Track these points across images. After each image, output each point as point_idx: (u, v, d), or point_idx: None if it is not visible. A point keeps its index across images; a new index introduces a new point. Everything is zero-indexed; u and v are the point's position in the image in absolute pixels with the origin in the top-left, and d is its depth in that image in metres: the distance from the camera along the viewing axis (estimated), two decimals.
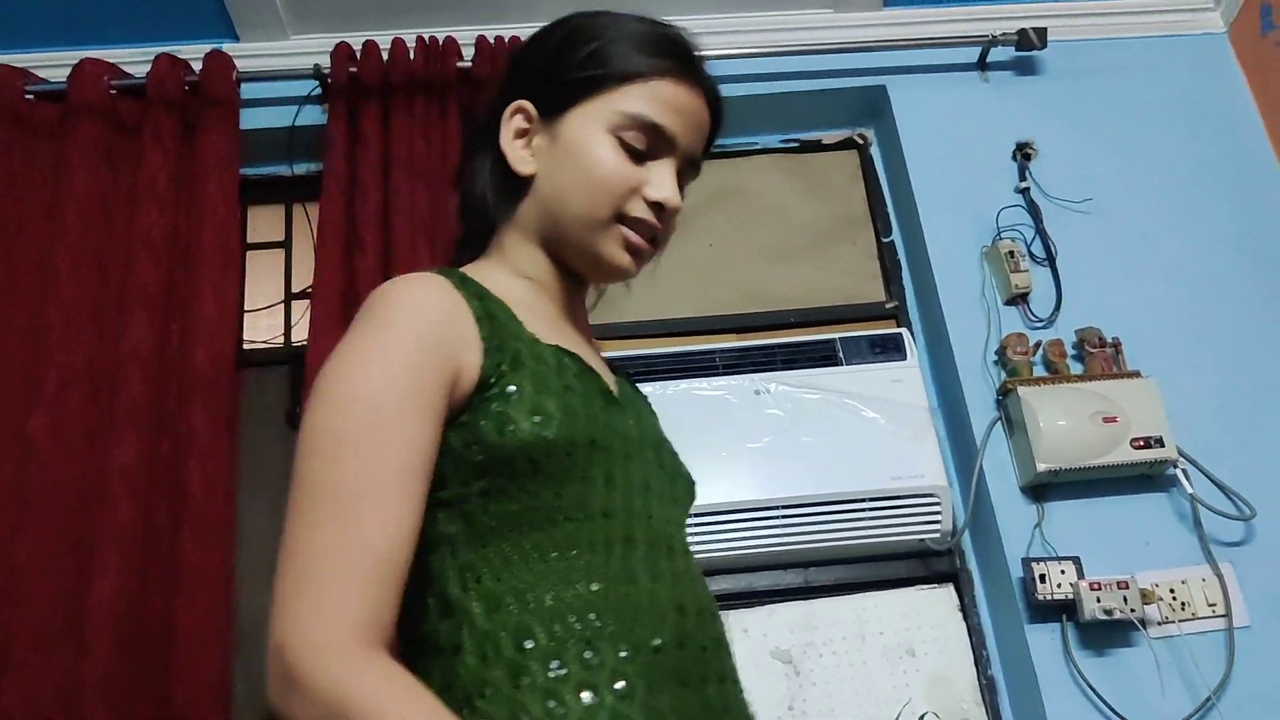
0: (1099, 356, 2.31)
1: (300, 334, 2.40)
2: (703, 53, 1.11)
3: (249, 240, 2.55)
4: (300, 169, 2.49)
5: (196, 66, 2.39)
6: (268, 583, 2.14)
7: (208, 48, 2.45)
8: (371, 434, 0.85)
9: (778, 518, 2.22)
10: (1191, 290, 2.45)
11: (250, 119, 2.43)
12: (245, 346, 2.43)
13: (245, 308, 2.46)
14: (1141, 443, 2.18)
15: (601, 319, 2.43)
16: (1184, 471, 2.21)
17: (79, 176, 2.25)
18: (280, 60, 2.51)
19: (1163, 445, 2.18)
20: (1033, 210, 2.50)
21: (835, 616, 2.27)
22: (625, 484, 0.97)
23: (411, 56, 2.40)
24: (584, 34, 1.08)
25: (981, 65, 2.67)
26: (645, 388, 2.26)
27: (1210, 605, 2.14)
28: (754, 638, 2.23)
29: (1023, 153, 2.56)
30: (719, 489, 2.21)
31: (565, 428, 0.91)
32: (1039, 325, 2.38)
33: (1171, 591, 2.14)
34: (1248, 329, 2.41)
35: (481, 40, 2.43)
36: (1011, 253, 2.40)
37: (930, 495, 2.24)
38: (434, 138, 2.33)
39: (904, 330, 2.45)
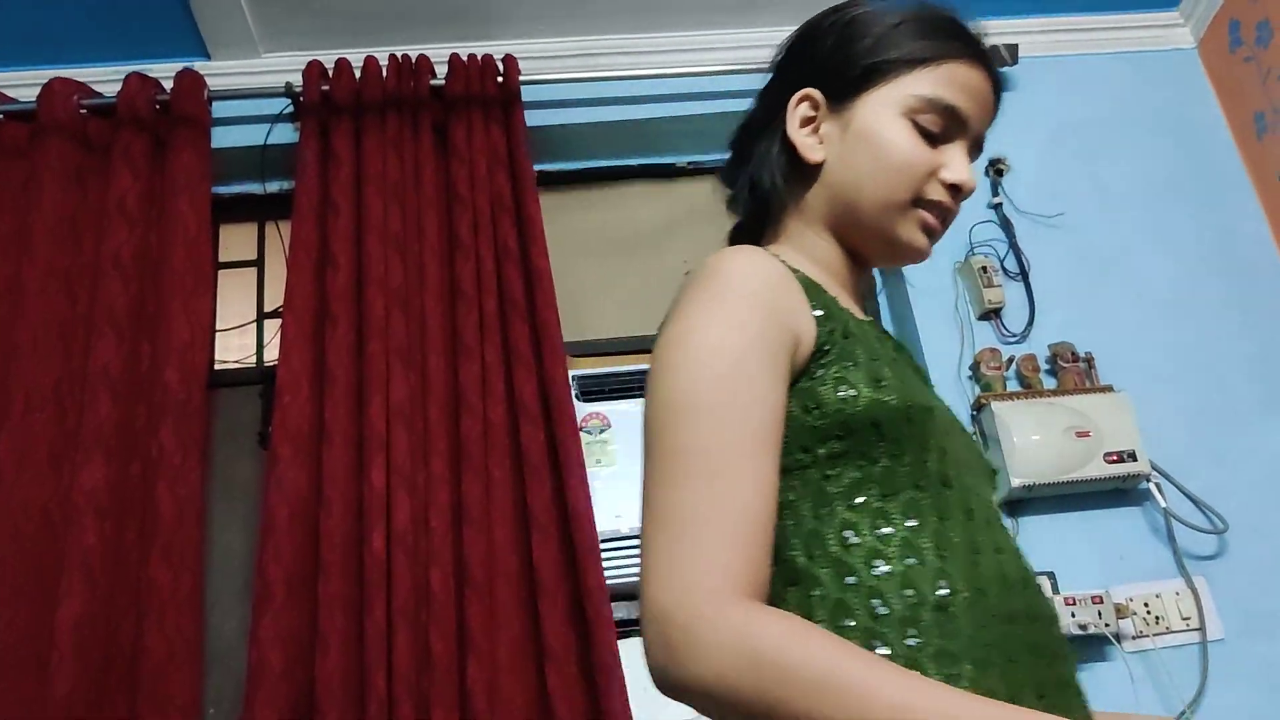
0: (1072, 370, 2.32)
1: (272, 353, 2.38)
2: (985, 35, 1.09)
3: (221, 259, 2.53)
4: (272, 187, 2.48)
5: (168, 85, 2.38)
6: (239, 604, 2.14)
7: (179, 66, 2.44)
8: (730, 397, 0.85)
9: None
10: (1163, 305, 2.46)
11: (222, 137, 2.42)
12: (217, 366, 2.41)
13: (217, 327, 2.44)
14: (1115, 457, 2.18)
15: (577, 336, 2.44)
16: (1157, 485, 2.22)
17: (48, 196, 2.23)
18: (252, 79, 2.50)
19: (1135, 459, 2.18)
20: (1005, 226, 2.51)
21: None
22: (955, 457, 0.95)
23: (384, 74, 2.39)
24: (867, 21, 1.07)
25: None
26: (622, 405, 2.30)
27: (1184, 619, 2.14)
28: None
29: (995, 169, 2.57)
30: None
31: (902, 394, 0.91)
32: (1012, 340, 2.39)
33: (1146, 605, 2.14)
34: (1218, 343, 2.43)
35: (454, 58, 2.42)
36: (984, 268, 2.41)
37: None
38: (406, 155, 2.32)
39: None
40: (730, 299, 0.90)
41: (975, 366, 2.33)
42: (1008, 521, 2.21)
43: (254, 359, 2.46)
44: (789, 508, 0.89)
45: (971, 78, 1.03)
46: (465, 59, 2.42)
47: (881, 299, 2.60)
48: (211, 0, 2.38)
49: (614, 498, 2.17)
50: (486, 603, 1.95)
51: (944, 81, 1.02)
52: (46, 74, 2.39)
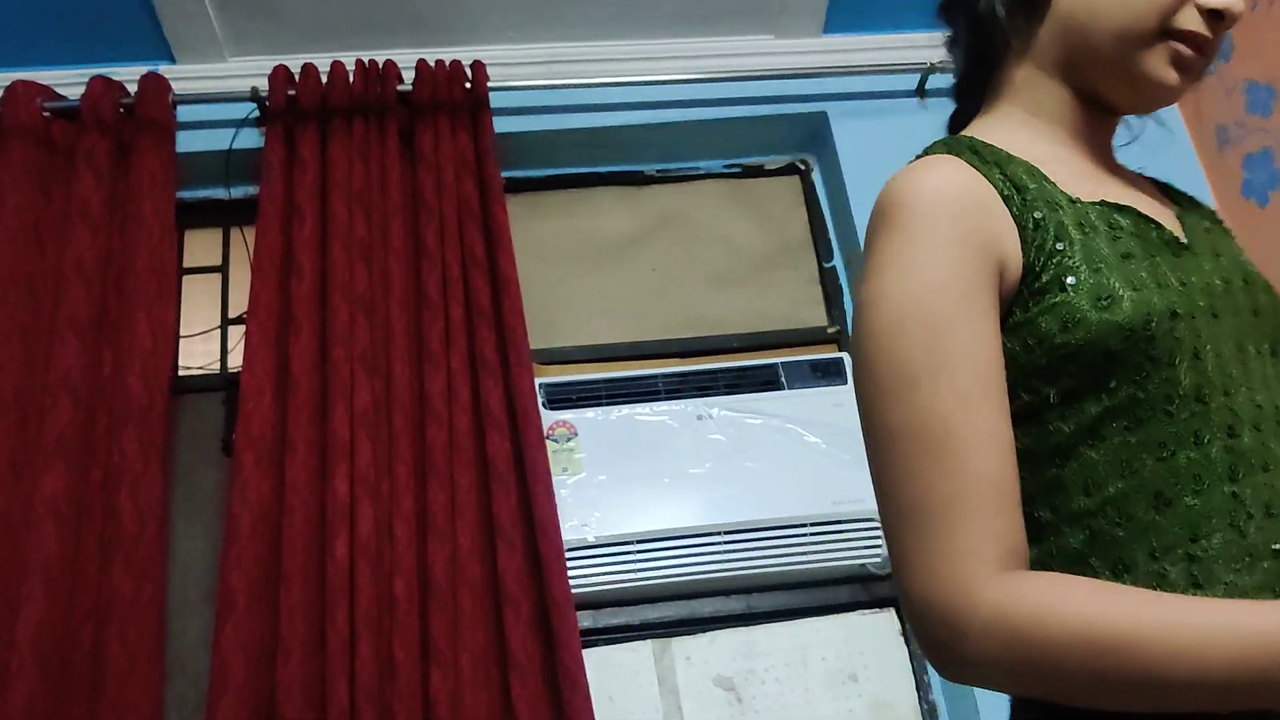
0: None
1: (236, 360, 2.37)
2: None
3: (185, 264, 2.51)
4: (238, 193, 2.46)
5: (132, 88, 2.37)
6: (201, 611, 2.12)
7: (143, 69, 2.42)
8: (937, 357, 0.77)
9: (720, 543, 2.21)
10: None
11: (187, 142, 2.41)
12: (180, 372, 2.40)
13: (181, 333, 2.42)
14: None
15: (544, 344, 2.44)
16: None
17: (10, 200, 2.20)
18: (217, 83, 2.48)
19: None
20: None
21: (777, 643, 2.26)
22: (1216, 354, 0.82)
23: (350, 80, 2.38)
24: None
25: (920, 92, 2.70)
26: (589, 413, 2.30)
27: None
28: (696, 665, 2.23)
29: None
30: (662, 515, 2.21)
31: (1137, 305, 0.79)
32: None
33: None
34: None
35: (422, 64, 2.42)
36: None
37: (871, 519, 2.25)
38: (372, 162, 2.31)
39: (845, 354, 2.47)
40: (915, 236, 0.81)
41: None
42: None
43: (218, 365, 2.44)
44: (1025, 459, 0.81)
45: None
46: (433, 65, 2.42)
47: (848, 308, 2.62)
48: (176, 4, 2.37)
49: (580, 506, 2.17)
50: (450, 612, 1.94)
51: None
52: (9, 76, 2.37)
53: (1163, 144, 2.67)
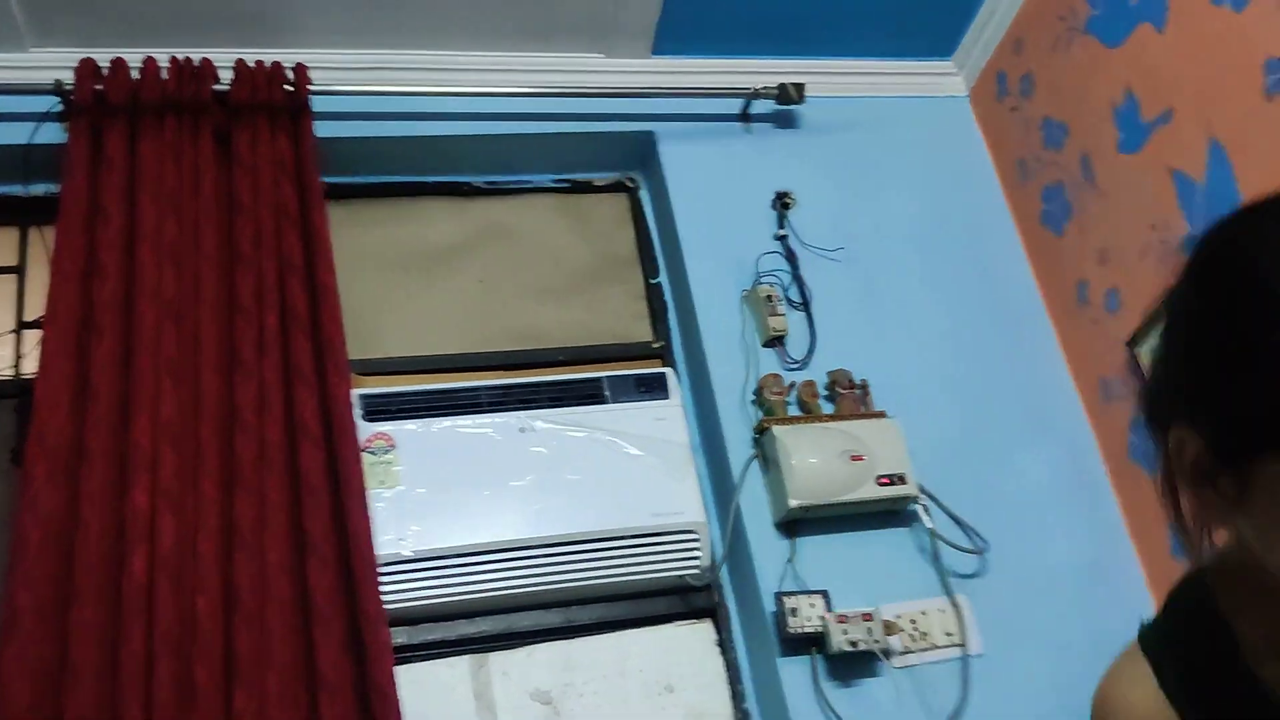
0: (848, 397, 2.41)
1: (31, 365, 2.23)
2: None
3: None
4: (37, 190, 2.34)
5: None
6: None
7: None
8: None
9: (540, 557, 2.20)
10: (934, 336, 2.59)
11: None
12: None
13: None
14: (886, 480, 2.28)
15: (364, 354, 2.39)
16: (924, 507, 2.33)
17: None
18: (17, 74, 2.35)
19: (905, 482, 2.29)
20: (790, 257, 2.60)
21: (596, 655, 2.27)
22: None
23: (164, 77, 2.29)
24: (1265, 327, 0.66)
25: (744, 117, 2.77)
26: (409, 425, 2.26)
27: (948, 635, 2.25)
28: (514, 680, 2.21)
29: (782, 202, 2.66)
30: (482, 529, 2.18)
31: None
32: (794, 366, 2.48)
33: (913, 622, 2.24)
34: (984, 375, 2.57)
35: (240, 64, 2.34)
36: (769, 297, 2.49)
37: (690, 532, 2.28)
38: (185, 162, 2.23)
39: (668, 370, 2.50)
40: None
41: (759, 392, 2.40)
42: (783, 543, 2.28)
43: (10, 371, 2.30)
44: None
45: None
46: (251, 65, 2.35)
47: (673, 324, 2.65)
48: None
49: (397, 520, 2.13)
50: (257, 630, 1.87)
51: None
52: None
53: (971, 175, 2.84)
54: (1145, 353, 2.32)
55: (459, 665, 2.20)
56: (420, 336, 2.53)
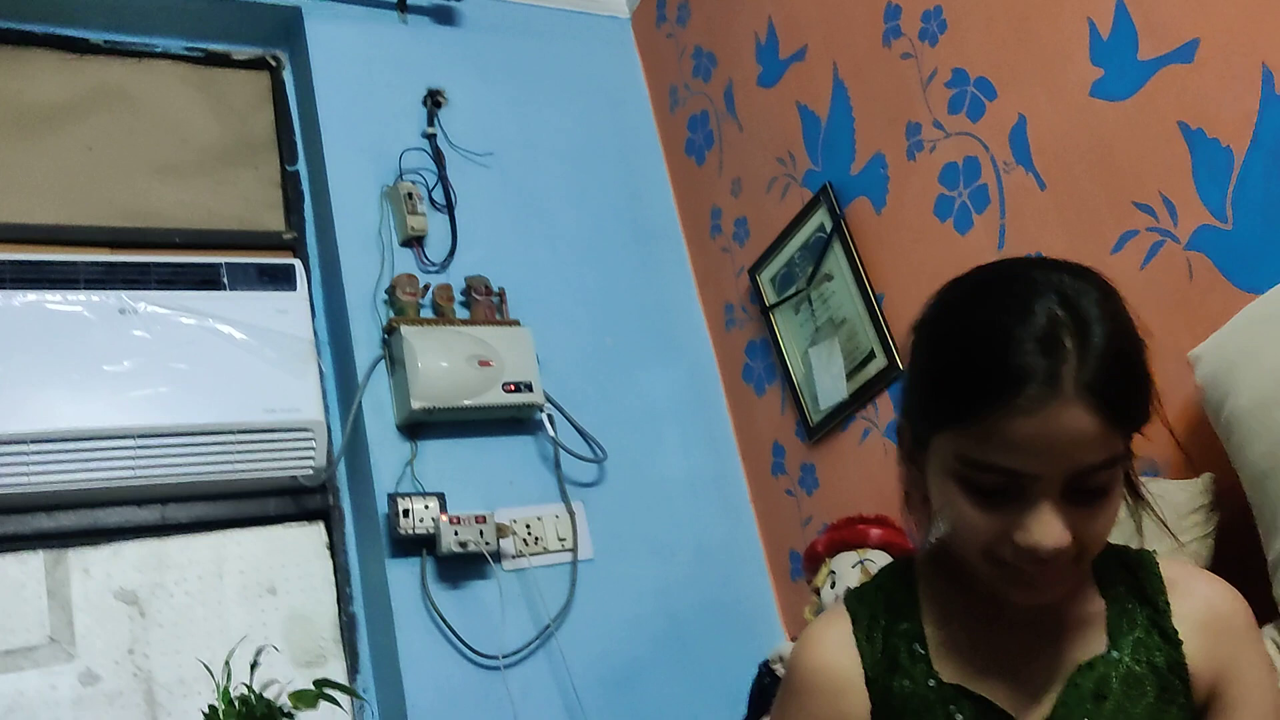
0: (484, 303, 2.39)
1: None
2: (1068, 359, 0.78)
3: None
4: None
5: None
6: None
7: None
8: None
9: (133, 448, 2.03)
10: (575, 251, 2.61)
11: None
12: None
13: None
14: (513, 387, 2.28)
15: None
16: (550, 416, 2.35)
17: None
18: None
19: (532, 390, 2.30)
20: (437, 157, 2.53)
21: (192, 555, 2.14)
22: None
23: None
24: (923, 341, 0.87)
25: (401, 6, 2.65)
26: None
27: (560, 540, 2.29)
28: (96, 578, 2.04)
29: (434, 99, 2.58)
30: (67, 414, 1.98)
31: None
32: (432, 269, 2.42)
33: (528, 527, 2.26)
34: (619, 292, 2.62)
35: None
36: (411, 194, 2.41)
37: (305, 430, 2.18)
38: None
39: (297, 261, 2.37)
40: (785, 710, 0.93)
41: (392, 291, 2.33)
42: (406, 445, 2.24)
43: None
44: None
45: (1011, 428, 0.78)
46: None
47: (308, 215, 2.52)
48: None
49: None
50: None
51: (983, 441, 0.79)
52: None
53: (626, 97, 2.86)
54: (766, 281, 2.44)
55: (32, 561, 2.01)
56: (13, 202, 2.26)
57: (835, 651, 0.92)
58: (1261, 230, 1.45)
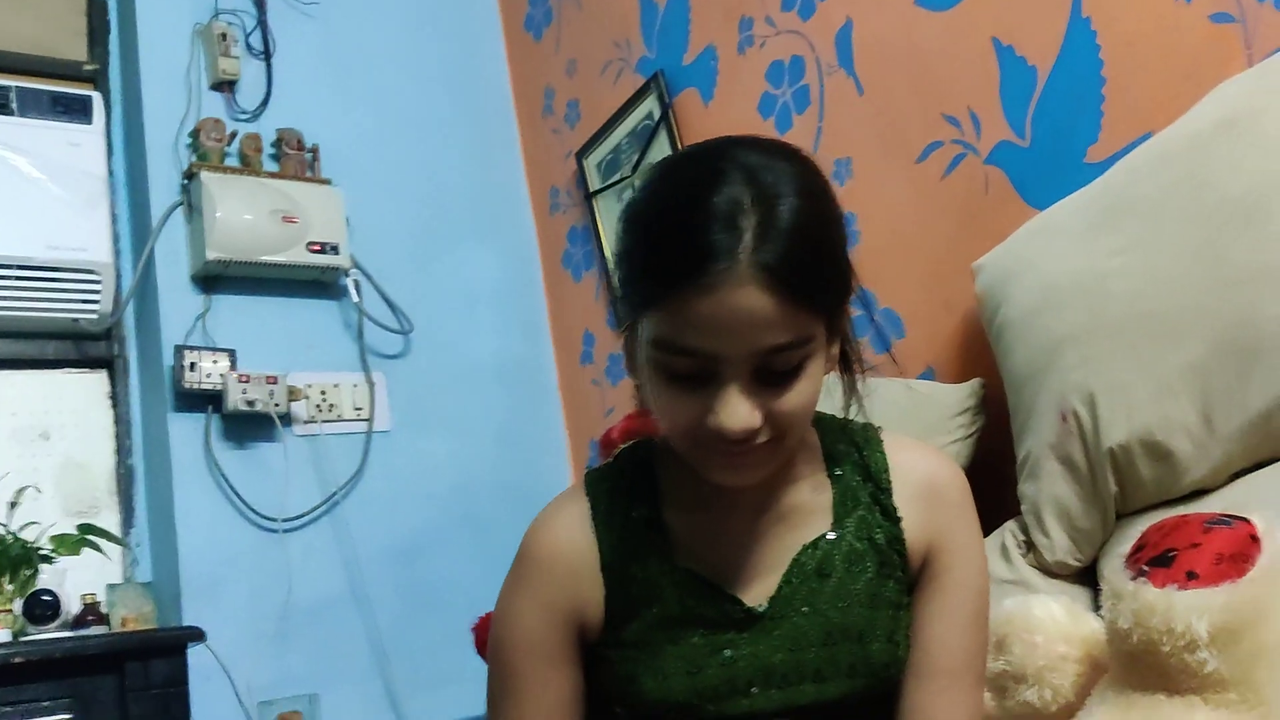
0: (294, 159, 2.29)
1: None
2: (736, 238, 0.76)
3: None
4: None
5: None
6: None
7: None
8: (509, 693, 0.91)
9: None
10: (401, 118, 2.52)
11: None
12: None
13: None
14: (318, 247, 2.20)
15: None
16: (356, 282, 2.28)
17: None
18: None
19: (338, 253, 2.22)
20: (259, 1, 2.39)
21: None
22: None
23: None
24: (624, 225, 0.84)
25: None
26: None
27: (357, 410, 2.24)
28: None
29: None
30: None
31: (656, 691, 0.87)
32: (242, 117, 2.30)
33: (323, 393, 2.21)
34: (443, 164, 2.55)
35: None
36: (225, 35, 2.28)
37: (90, 272, 2.06)
38: None
39: (96, 94, 2.21)
40: (517, 588, 0.92)
41: (196, 135, 2.20)
42: (199, 298, 2.15)
43: None
44: None
45: (694, 307, 0.76)
46: None
47: (114, 47, 2.35)
48: None
49: None
50: None
51: (670, 321, 0.78)
52: None
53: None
54: (592, 166, 2.41)
55: None
56: None
57: (572, 535, 0.91)
58: (1054, 149, 1.49)
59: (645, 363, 0.82)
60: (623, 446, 1.00)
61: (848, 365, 0.91)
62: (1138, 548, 0.83)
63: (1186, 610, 0.76)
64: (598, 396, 2.43)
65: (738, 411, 0.78)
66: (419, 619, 2.15)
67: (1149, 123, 1.32)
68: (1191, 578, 0.78)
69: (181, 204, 2.17)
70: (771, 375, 0.79)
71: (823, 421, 0.95)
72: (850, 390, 0.92)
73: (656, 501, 0.92)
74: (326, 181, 2.29)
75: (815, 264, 0.78)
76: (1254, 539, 0.80)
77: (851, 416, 0.94)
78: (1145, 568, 0.80)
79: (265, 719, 1.96)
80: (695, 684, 0.85)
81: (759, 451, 0.82)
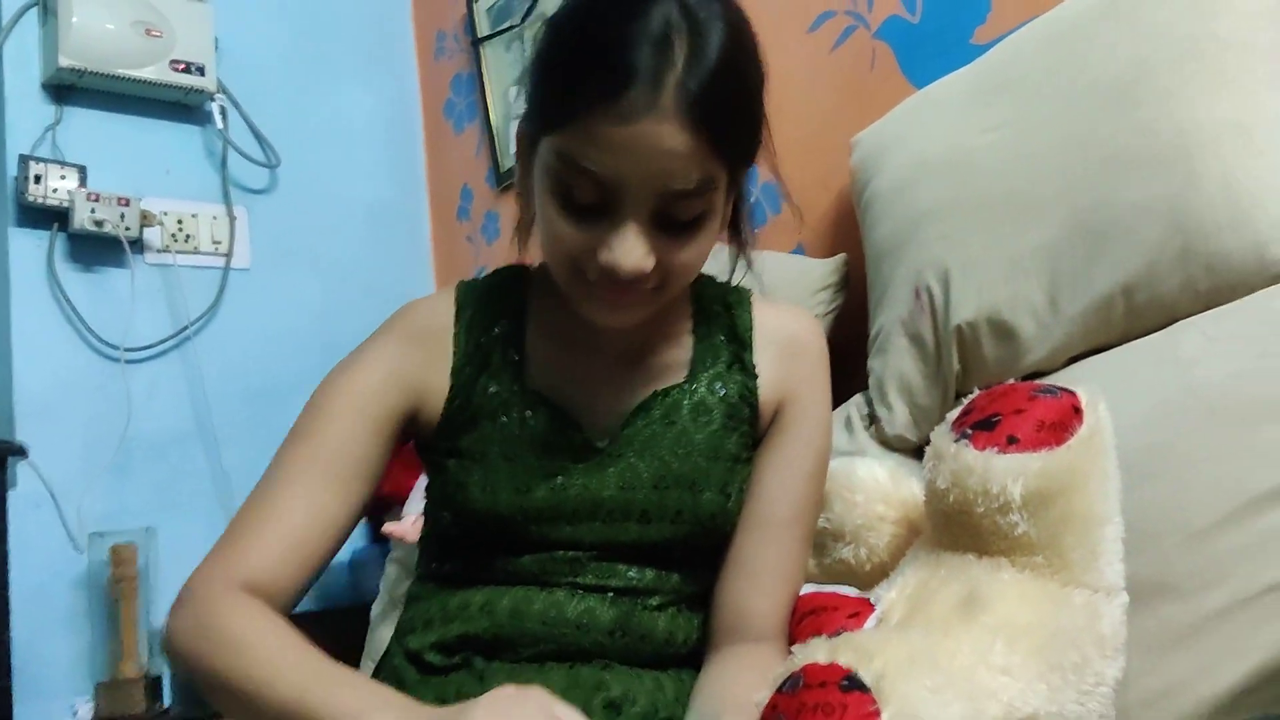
0: None
1: None
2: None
3: None
4: None
5: None
6: None
7: None
8: (314, 431, 0.87)
9: None
10: None
11: None
12: None
13: None
14: (183, 66, 2.08)
15: None
16: (222, 109, 2.17)
17: None
18: None
19: (204, 75, 2.10)
20: None
21: None
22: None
23: None
24: (542, 35, 0.81)
25: None
26: None
27: (215, 243, 2.15)
28: None
29: None
30: None
31: (484, 501, 0.85)
32: None
33: (179, 222, 2.11)
34: None
35: None
36: None
37: None
38: None
39: None
40: (372, 342, 0.90)
41: None
42: (49, 107, 2.02)
43: None
44: None
45: (609, 131, 0.73)
46: None
47: None
48: None
49: None
50: None
51: (580, 141, 0.74)
52: None
53: None
54: (482, 11, 2.31)
55: None
56: None
57: (435, 322, 0.91)
58: (942, 28, 1.46)
59: (544, 183, 0.79)
60: (500, 268, 0.98)
61: (738, 231, 0.90)
62: (965, 411, 0.83)
63: (1003, 473, 0.76)
64: (470, 253, 2.37)
65: (634, 251, 0.76)
66: (267, 459, 2.08)
67: (1036, 6, 1.30)
68: (1012, 442, 0.78)
69: (36, 4, 2.02)
70: (670, 223, 0.77)
71: (701, 281, 0.94)
72: (737, 256, 0.92)
73: (522, 324, 0.91)
74: None
75: (739, 108, 0.77)
76: (1076, 410, 0.80)
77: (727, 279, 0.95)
78: (969, 430, 0.80)
79: (97, 551, 1.90)
80: (522, 501, 0.84)
81: (640, 295, 0.81)
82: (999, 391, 0.83)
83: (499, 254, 2.28)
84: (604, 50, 0.73)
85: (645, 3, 0.74)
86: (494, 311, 0.91)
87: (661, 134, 0.72)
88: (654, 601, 0.86)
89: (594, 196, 0.76)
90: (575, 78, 0.74)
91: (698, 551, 0.88)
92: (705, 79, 0.72)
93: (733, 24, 0.76)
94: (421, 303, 0.93)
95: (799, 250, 1.64)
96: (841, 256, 1.48)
